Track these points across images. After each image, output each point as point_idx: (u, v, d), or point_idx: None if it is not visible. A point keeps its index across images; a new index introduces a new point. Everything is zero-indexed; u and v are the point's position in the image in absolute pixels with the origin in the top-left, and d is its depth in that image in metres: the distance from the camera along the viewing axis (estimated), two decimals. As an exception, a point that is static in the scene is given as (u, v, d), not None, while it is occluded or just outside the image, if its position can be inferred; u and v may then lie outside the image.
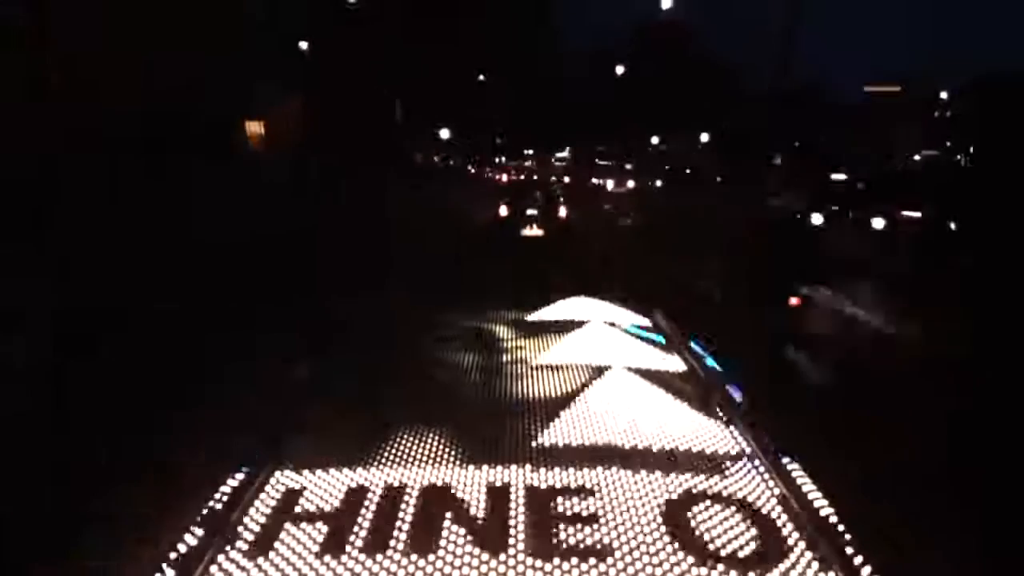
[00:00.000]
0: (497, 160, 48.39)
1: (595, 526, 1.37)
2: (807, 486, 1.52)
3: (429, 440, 1.71)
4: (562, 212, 17.65)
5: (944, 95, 62.92)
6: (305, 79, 23.40)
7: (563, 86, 52.44)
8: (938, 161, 45.81)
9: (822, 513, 1.43)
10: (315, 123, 24.46)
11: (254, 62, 20.17)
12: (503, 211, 17.21)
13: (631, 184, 33.18)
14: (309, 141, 24.07)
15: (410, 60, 29.57)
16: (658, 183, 34.66)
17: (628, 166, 40.12)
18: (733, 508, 1.45)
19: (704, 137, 45.09)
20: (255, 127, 24.32)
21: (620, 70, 46.80)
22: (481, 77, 40.20)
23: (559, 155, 60.72)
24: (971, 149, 48.82)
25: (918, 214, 17.63)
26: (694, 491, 1.50)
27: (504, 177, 37.43)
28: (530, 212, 16.80)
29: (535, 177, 29.09)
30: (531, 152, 60.16)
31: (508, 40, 43.41)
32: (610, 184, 33.16)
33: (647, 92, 48.03)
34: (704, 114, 46.28)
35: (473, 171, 41.57)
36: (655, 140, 50.45)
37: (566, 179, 38.24)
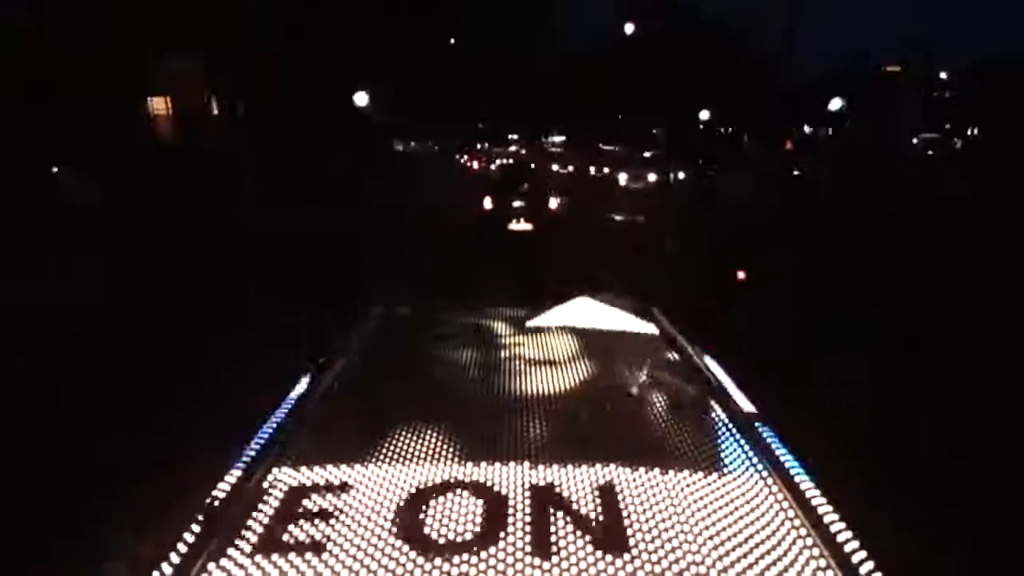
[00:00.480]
0: (479, 146, 45.86)
1: (593, 525, 1.47)
2: (805, 484, 1.63)
3: (429, 437, 1.83)
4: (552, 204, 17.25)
5: (944, 75, 63.00)
6: (211, 39, 18.27)
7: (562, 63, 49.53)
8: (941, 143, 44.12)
9: (820, 511, 1.53)
10: (231, 97, 21.72)
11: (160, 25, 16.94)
12: (488, 204, 16.80)
13: (652, 177, 27.64)
14: (224, 121, 18.13)
15: (376, 32, 27.05)
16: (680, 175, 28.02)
17: (647, 153, 33.26)
18: (734, 508, 1.56)
19: (836, 103, 37.64)
20: (159, 104, 20.82)
21: (630, 28, 40.28)
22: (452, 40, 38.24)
23: (552, 139, 53.57)
24: (971, 131, 49.18)
25: None
26: (694, 490, 1.62)
27: (475, 164, 36.38)
28: (516, 204, 16.48)
29: (531, 165, 23.26)
30: (515, 137, 53.61)
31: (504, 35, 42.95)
32: (623, 178, 27.78)
33: (665, 56, 41.69)
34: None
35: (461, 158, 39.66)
36: (705, 115, 43.49)
37: (570, 168, 33.57)
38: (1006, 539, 3.77)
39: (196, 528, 1.45)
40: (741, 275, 9.29)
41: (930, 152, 35.82)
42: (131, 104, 18.00)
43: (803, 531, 1.49)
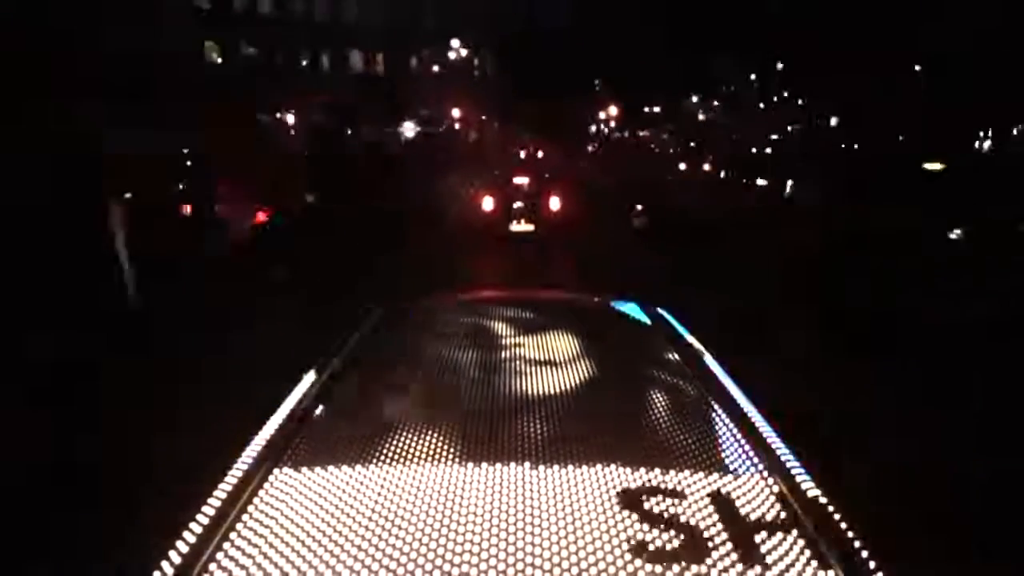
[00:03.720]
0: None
1: (594, 525, 1.49)
2: (806, 483, 1.66)
3: (430, 437, 1.85)
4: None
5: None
6: None
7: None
8: None
9: (822, 511, 1.55)
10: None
11: None
12: (488, 205, 17.10)
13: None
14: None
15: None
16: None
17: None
18: (735, 508, 1.58)
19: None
20: None
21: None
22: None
23: None
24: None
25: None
26: (694, 490, 1.63)
27: None
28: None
29: None
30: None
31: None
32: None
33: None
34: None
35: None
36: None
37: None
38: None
39: (197, 529, 1.49)
40: (639, 208, 18.52)
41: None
42: None
43: (805, 531, 1.51)
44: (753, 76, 55.47)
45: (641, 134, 68.27)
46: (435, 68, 50.67)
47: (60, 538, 3.86)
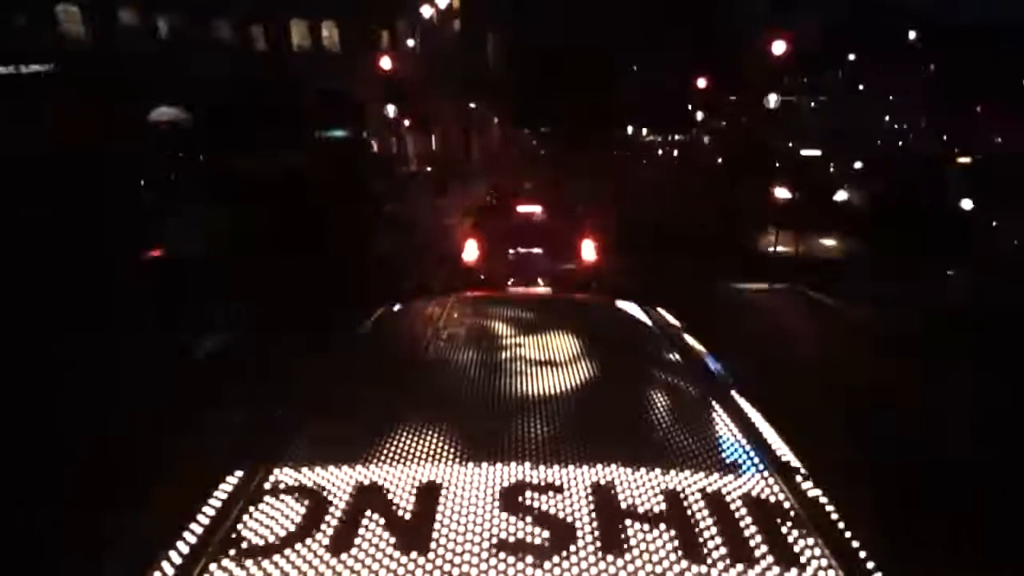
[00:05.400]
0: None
1: (594, 524, 1.49)
2: (806, 483, 1.67)
3: (430, 437, 1.85)
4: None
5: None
6: None
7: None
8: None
9: (821, 510, 1.57)
10: None
11: None
12: (472, 253, 10.37)
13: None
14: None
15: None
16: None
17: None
18: (734, 507, 1.58)
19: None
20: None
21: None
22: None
23: None
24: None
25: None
26: (694, 490, 1.64)
27: None
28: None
29: None
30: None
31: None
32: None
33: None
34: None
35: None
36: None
37: None
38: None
39: (197, 529, 1.50)
40: None
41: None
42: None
43: (804, 530, 1.52)
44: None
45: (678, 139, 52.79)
46: (409, 42, 45.45)
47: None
